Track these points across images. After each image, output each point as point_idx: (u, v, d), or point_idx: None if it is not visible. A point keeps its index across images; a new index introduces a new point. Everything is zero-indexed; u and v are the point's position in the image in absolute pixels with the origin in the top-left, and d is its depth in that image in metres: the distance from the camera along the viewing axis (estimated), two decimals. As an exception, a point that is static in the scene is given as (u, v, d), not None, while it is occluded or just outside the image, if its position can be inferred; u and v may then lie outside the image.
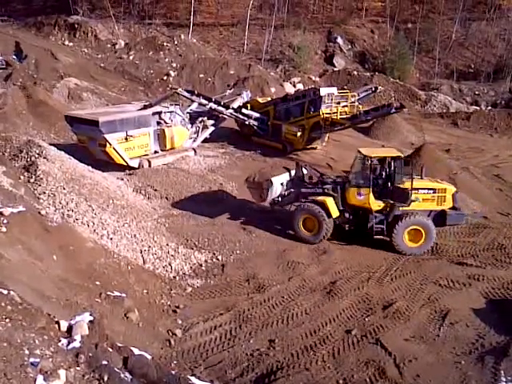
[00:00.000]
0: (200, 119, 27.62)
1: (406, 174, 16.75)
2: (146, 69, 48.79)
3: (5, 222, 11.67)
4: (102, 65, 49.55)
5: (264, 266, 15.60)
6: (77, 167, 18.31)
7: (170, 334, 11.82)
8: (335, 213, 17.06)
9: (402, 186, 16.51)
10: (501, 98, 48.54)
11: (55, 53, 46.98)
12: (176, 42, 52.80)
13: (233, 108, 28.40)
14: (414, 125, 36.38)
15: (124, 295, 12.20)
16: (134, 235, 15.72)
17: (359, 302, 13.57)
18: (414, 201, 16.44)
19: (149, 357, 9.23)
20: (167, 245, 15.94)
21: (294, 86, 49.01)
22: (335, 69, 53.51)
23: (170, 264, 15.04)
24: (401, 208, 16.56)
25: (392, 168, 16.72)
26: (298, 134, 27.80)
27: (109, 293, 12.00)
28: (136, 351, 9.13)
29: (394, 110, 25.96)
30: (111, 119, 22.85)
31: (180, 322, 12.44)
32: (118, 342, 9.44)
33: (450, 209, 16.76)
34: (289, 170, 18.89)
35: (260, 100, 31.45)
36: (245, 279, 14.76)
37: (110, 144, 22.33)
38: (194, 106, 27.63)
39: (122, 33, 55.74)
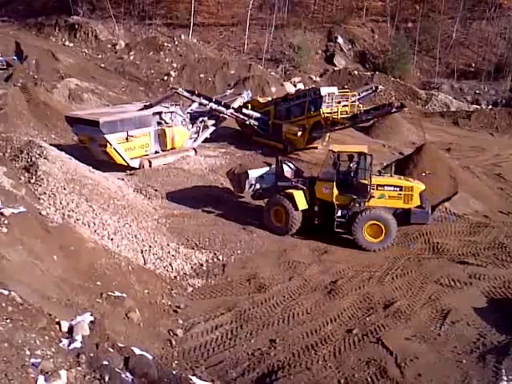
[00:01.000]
0: (200, 119, 27.64)
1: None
2: (146, 69, 48.84)
3: (5, 222, 11.66)
4: (103, 65, 49.60)
5: (265, 266, 15.60)
6: (77, 168, 18.31)
7: (171, 333, 11.81)
8: (302, 206, 17.50)
9: (364, 181, 16.84)
10: (501, 96, 48.54)
11: (56, 53, 47.01)
12: (176, 42, 52.86)
13: (233, 108, 28.42)
14: (414, 124, 36.35)
15: (125, 295, 12.19)
16: (135, 235, 15.71)
17: (360, 302, 13.57)
18: (373, 196, 16.74)
19: (150, 357, 9.23)
20: (168, 245, 15.94)
21: (295, 85, 49.00)
22: (336, 68, 53.49)
23: (170, 264, 15.04)
24: (366, 204, 16.87)
25: (358, 164, 17.11)
26: (299, 133, 27.80)
27: (110, 293, 11.99)
28: (137, 351, 9.13)
29: (394, 110, 25.97)
30: (112, 119, 22.87)
31: (181, 321, 12.44)
32: (118, 342, 9.44)
33: (417, 207, 16.85)
34: (269, 165, 19.81)
35: (260, 100, 31.46)
36: (246, 279, 14.75)
37: (111, 144, 22.36)
38: (195, 106, 27.64)
39: (123, 33, 55.78)
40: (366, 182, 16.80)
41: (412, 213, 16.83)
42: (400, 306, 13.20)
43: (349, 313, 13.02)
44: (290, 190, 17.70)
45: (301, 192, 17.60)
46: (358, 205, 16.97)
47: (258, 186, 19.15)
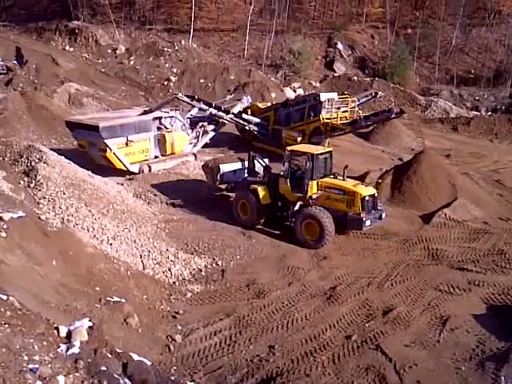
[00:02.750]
0: (200, 124, 27.63)
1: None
2: (146, 74, 48.87)
3: (5, 226, 11.67)
4: (103, 70, 49.63)
5: (264, 272, 15.59)
6: (77, 172, 18.31)
7: (170, 339, 11.80)
8: (265, 200, 18.54)
9: (307, 181, 17.63)
10: (501, 103, 48.56)
11: (56, 58, 47.02)
12: (176, 48, 52.90)
13: (233, 113, 28.43)
14: (414, 130, 36.40)
15: (123, 300, 12.18)
16: (134, 240, 15.71)
17: (359, 308, 13.55)
18: (311, 197, 17.47)
19: (148, 363, 9.24)
20: (167, 250, 15.93)
21: (295, 91, 49.06)
22: (335, 74, 53.55)
23: (169, 269, 15.02)
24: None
25: (309, 163, 17.69)
26: (299, 139, 27.79)
27: (108, 298, 11.98)
28: (135, 357, 9.13)
29: (394, 116, 26.01)
30: (112, 124, 22.87)
31: (180, 327, 12.42)
32: (117, 347, 9.43)
33: (355, 214, 17.05)
34: (242, 160, 20.84)
35: (260, 105, 31.48)
36: (245, 284, 14.74)
37: (111, 149, 22.36)
38: (195, 111, 27.65)
39: (123, 38, 55.84)
40: (308, 182, 17.62)
41: (348, 218, 17.18)
42: (399, 312, 13.19)
43: (348, 319, 13.01)
44: (254, 185, 18.78)
45: (265, 187, 18.65)
46: (301, 202, 17.76)
47: (229, 179, 20.50)
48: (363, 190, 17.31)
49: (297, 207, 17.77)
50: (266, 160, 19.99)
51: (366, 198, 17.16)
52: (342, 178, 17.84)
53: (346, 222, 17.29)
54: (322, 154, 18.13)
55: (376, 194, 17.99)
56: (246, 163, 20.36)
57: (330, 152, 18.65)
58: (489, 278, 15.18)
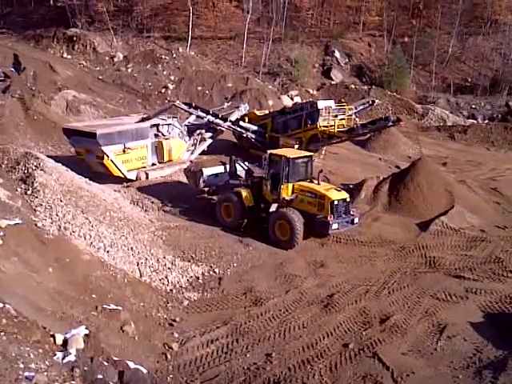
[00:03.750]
0: (198, 132, 27.64)
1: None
2: (144, 81, 48.92)
3: (1, 234, 11.64)
4: (101, 77, 49.66)
5: (261, 279, 15.57)
6: (74, 179, 18.30)
7: (166, 347, 11.75)
8: (249, 202, 19.04)
9: (285, 183, 18.21)
10: (497, 111, 48.70)
11: (53, 65, 47.05)
12: (174, 55, 52.97)
13: (230, 121, 28.45)
14: (410, 138, 36.49)
15: (120, 308, 12.15)
16: (131, 248, 15.68)
17: (356, 316, 13.54)
18: (284, 198, 18.11)
19: (145, 371, 9.21)
20: (164, 257, 15.90)
21: (292, 99, 49.10)
22: (333, 82, 53.66)
23: (166, 277, 14.99)
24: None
25: (284, 167, 18.21)
26: (296, 146, 27.76)
27: (105, 306, 11.95)
28: (132, 365, 9.10)
29: (391, 124, 26.09)
30: (109, 131, 22.86)
31: (176, 335, 12.38)
32: (113, 355, 9.40)
33: (323, 217, 17.49)
34: (224, 164, 21.38)
35: (258, 113, 31.51)
36: (242, 292, 14.72)
37: (108, 156, 22.33)
38: (192, 119, 27.68)
39: (121, 45, 55.88)
40: (283, 184, 18.22)
41: (316, 221, 17.65)
42: (396, 320, 13.18)
43: (345, 327, 12.99)
44: (238, 188, 19.31)
45: (248, 190, 19.16)
46: (277, 204, 18.31)
47: (212, 182, 20.87)
48: (333, 195, 17.81)
49: (273, 209, 18.26)
50: (247, 163, 20.73)
51: (336, 203, 17.62)
52: (317, 182, 18.34)
53: (314, 225, 17.80)
54: (298, 158, 18.72)
55: (348, 199, 18.40)
56: (228, 167, 20.94)
57: (309, 157, 19.21)
58: (486, 286, 15.19)
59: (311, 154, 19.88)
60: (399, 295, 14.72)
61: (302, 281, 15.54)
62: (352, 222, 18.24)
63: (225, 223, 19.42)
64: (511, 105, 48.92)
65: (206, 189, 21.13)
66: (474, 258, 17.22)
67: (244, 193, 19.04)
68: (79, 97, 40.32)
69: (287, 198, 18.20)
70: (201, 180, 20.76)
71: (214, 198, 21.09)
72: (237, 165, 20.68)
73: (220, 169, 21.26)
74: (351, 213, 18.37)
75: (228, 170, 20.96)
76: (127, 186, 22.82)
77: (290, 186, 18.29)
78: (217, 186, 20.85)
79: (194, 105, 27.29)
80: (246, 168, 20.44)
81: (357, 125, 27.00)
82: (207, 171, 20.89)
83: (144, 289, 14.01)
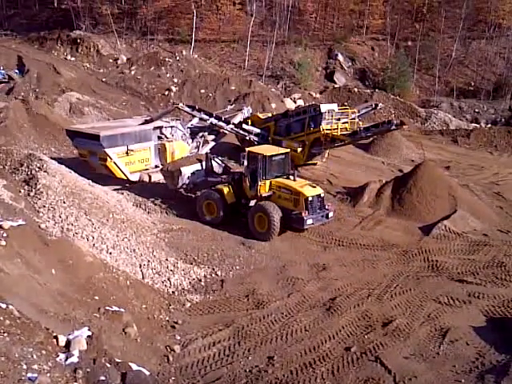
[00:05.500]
0: (201, 134, 27.63)
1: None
2: (147, 84, 48.98)
3: (4, 235, 11.66)
4: (104, 79, 49.76)
5: (263, 282, 15.57)
6: (77, 181, 18.33)
7: (169, 349, 11.76)
8: (231, 199, 19.81)
9: (263, 180, 18.97)
10: (500, 115, 48.63)
11: (57, 67, 47.20)
12: (178, 58, 53.06)
13: (233, 123, 28.43)
14: (413, 142, 36.46)
15: (123, 310, 12.15)
16: (134, 250, 15.69)
17: (359, 319, 13.52)
18: (261, 195, 18.81)
19: (147, 373, 9.20)
20: (166, 259, 15.91)
21: (295, 102, 49.11)
22: (336, 85, 53.67)
23: (169, 279, 15.00)
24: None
25: (261, 164, 18.94)
26: (299, 149, 27.81)
27: (107, 307, 11.95)
28: (134, 367, 9.09)
29: (394, 127, 26.02)
30: (112, 133, 22.89)
31: (178, 337, 12.38)
32: (116, 357, 9.40)
33: (297, 214, 18.26)
34: (200, 161, 21.70)
35: (261, 116, 31.49)
36: (244, 295, 14.72)
37: (111, 158, 22.35)
38: (195, 121, 27.68)
39: (124, 48, 56.08)
40: (260, 181, 18.96)
41: (291, 216, 18.33)
42: (399, 324, 13.15)
43: (347, 330, 12.98)
44: (219, 186, 20.03)
45: (229, 187, 19.90)
46: (254, 200, 19.17)
47: (190, 180, 21.39)
48: (308, 191, 18.52)
49: (252, 204, 19.19)
50: (221, 159, 21.57)
51: (310, 199, 18.31)
52: (293, 178, 19.11)
53: (289, 220, 18.46)
54: (275, 155, 19.29)
55: (323, 195, 19.10)
56: (204, 164, 21.45)
57: (285, 154, 19.76)
58: (488, 290, 15.16)
59: (287, 150, 20.39)
60: (402, 299, 14.70)
61: (304, 284, 15.53)
62: (327, 217, 19.03)
63: (207, 220, 19.96)
64: (514, 109, 48.92)
65: (184, 186, 21.61)
66: (476, 263, 17.19)
67: (225, 190, 19.75)
68: (83, 99, 40.42)
69: (264, 194, 18.98)
70: (179, 179, 21.17)
71: (192, 194, 21.87)
72: (213, 161, 21.24)
73: (197, 166, 21.64)
74: (326, 207, 19.10)
75: (204, 167, 21.40)
76: (130, 188, 22.84)
77: (268, 182, 19.10)
78: (194, 183, 21.43)
79: (197, 107, 27.28)
80: (222, 165, 21.14)
81: (360, 128, 26.94)
82: (186, 170, 21.27)
83: (146, 291, 14.02)
